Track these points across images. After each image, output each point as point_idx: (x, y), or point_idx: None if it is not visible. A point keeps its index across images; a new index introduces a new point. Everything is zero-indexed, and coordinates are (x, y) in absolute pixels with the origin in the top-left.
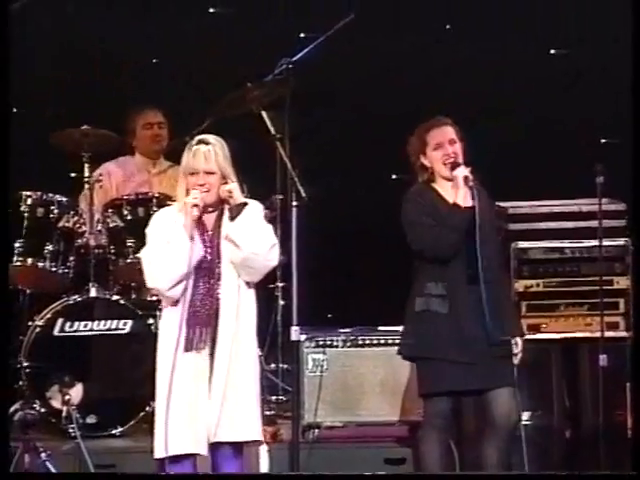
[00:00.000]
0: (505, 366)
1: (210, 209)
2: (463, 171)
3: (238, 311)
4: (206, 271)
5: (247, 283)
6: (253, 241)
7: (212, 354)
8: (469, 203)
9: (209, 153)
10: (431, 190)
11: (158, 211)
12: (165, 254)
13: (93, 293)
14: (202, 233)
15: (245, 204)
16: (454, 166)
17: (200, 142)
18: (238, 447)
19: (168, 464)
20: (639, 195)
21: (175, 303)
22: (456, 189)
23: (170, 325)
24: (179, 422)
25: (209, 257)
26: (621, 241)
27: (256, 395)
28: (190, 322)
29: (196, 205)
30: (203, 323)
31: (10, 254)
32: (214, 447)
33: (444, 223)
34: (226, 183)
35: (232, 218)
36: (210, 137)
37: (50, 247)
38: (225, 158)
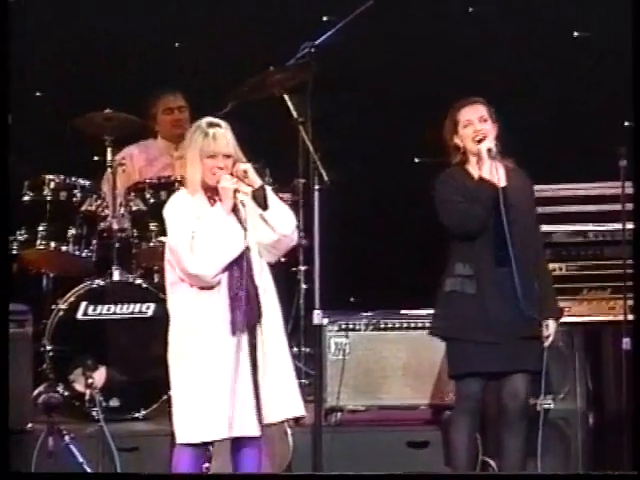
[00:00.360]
0: (532, 348)
1: None
2: (487, 144)
3: (266, 292)
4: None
5: (268, 264)
6: (285, 222)
7: (253, 336)
8: (496, 177)
9: (227, 136)
10: (463, 171)
11: (171, 199)
12: (216, 240)
13: (116, 277)
14: None
15: (263, 185)
16: (480, 141)
17: (213, 125)
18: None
19: (190, 449)
20: None
21: (210, 288)
22: (481, 163)
23: (207, 309)
24: (226, 406)
25: None
26: None
27: (294, 371)
28: (233, 305)
29: (237, 190)
30: (243, 306)
31: (9, 241)
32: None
33: (472, 198)
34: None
35: (261, 202)
36: (218, 120)
37: (73, 231)
38: (235, 141)
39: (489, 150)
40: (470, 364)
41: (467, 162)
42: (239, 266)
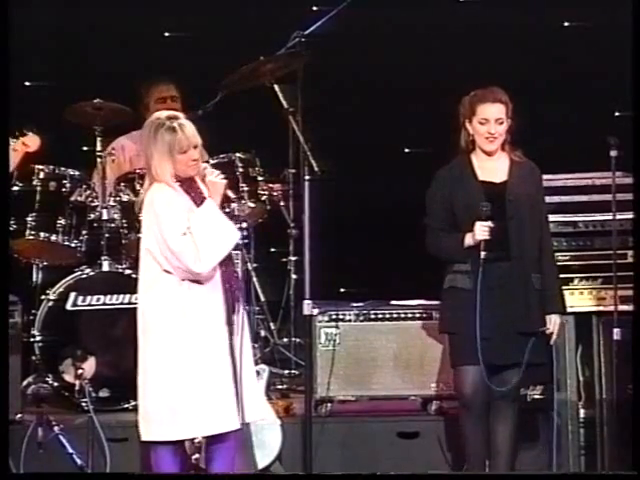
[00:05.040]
0: (530, 343)
1: None
2: None
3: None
4: None
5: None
6: None
7: (231, 332)
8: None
9: (192, 127)
10: (467, 167)
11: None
12: (214, 236)
13: (105, 267)
14: None
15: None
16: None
17: (174, 118)
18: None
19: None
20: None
21: (203, 281)
22: None
23: (203, 302)
24: (212, 401)
25: None
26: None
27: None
28: (227, 298)
29: (226, 185)
30: (235, 300)
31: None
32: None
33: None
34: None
35: None
36: (175, 113)
37: (62, 221)
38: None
39: None
40: (466, 358)
41: (474, 149)
42: (231, 259)
